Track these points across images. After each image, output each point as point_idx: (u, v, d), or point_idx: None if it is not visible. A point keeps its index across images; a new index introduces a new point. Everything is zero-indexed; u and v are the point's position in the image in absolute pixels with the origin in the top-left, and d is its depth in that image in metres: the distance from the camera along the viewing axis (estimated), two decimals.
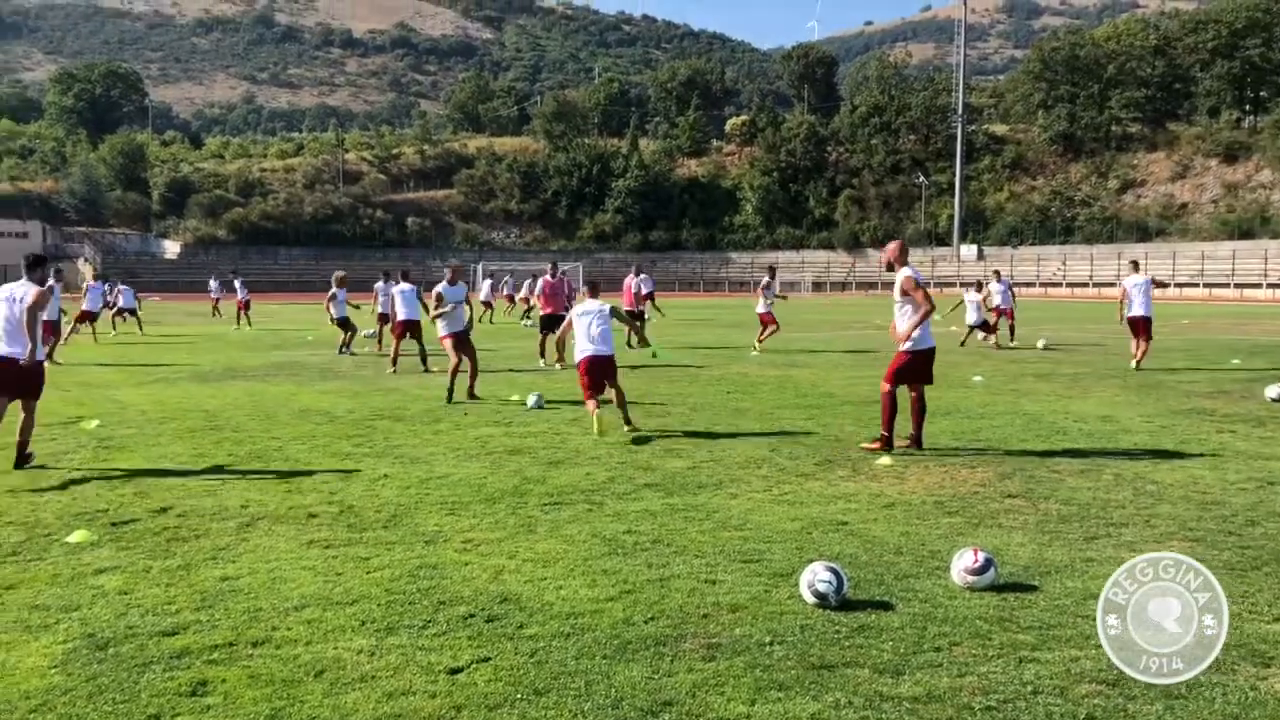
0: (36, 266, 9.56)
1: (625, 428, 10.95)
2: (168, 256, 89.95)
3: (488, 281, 41.95)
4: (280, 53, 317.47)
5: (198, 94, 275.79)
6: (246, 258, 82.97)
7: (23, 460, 9.23)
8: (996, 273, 26.20)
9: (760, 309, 22.42)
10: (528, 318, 34.60)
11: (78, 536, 6.73)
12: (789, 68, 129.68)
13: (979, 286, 24.09)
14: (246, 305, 33.60)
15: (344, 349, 21.81)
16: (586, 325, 11.15)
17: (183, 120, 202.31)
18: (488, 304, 37.65)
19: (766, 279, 22.92)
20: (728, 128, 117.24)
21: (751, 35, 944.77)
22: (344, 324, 22.17)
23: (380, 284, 23.06)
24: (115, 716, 4.09)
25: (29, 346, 9.07)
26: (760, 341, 22.26)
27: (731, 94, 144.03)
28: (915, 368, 9.83)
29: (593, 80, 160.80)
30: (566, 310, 18.56)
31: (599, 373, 11.08)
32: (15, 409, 9.36)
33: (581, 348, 11.13)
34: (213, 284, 40.16)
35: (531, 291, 35.27)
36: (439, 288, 14.55)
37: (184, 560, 6.26)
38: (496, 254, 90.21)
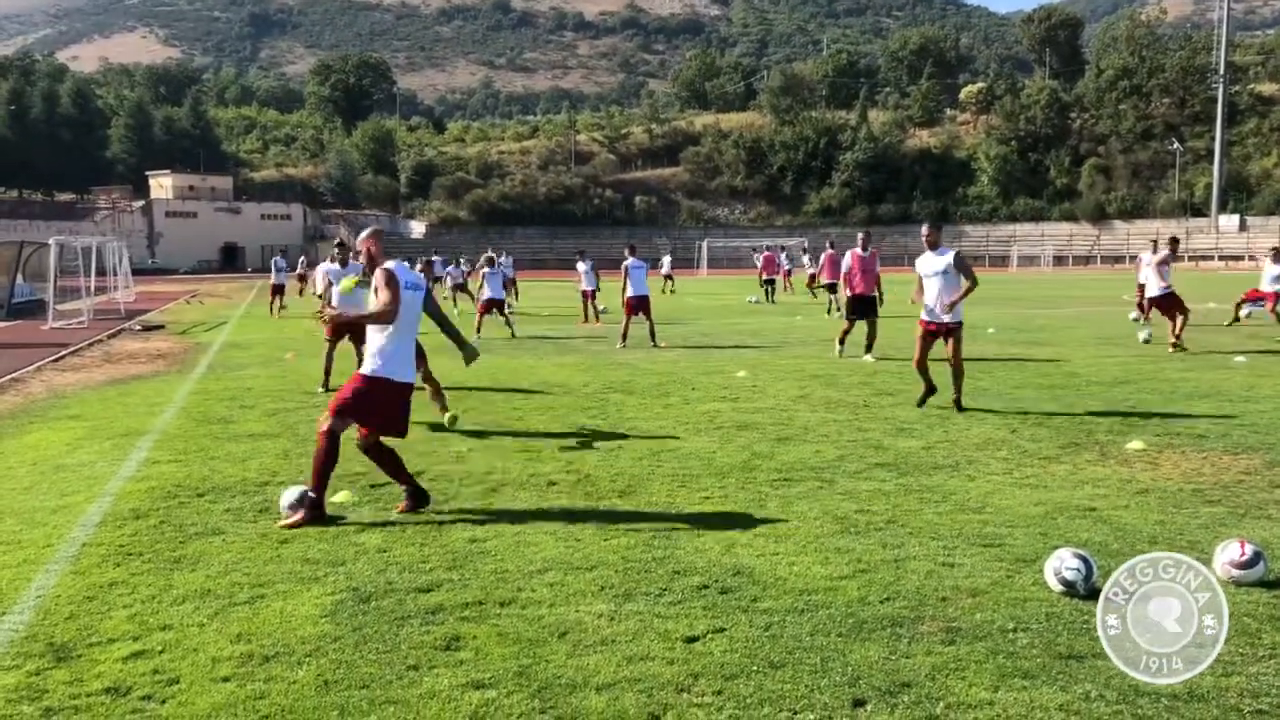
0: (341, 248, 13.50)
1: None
2: (414, 236, 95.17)
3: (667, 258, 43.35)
4: (516, 38, 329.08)
5: (440, 80, 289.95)
6: (486, 237, 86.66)
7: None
8: (1275, 250, 23.29)
9: (1156, 290, 17.06)
10: (811, 291, 34.37)
11: (341, 497, 7.25)
12: (1029, 31, 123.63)
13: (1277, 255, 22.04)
14: (511, 283, 35.51)
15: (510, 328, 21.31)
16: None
17: (427, 106, 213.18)
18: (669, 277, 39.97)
19: (1166, 253, 17.20)
20: (962, 96, 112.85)
21: (988, 0, 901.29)
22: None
23: (581, 264, 24.50)
24: (379, 665, 4.39)
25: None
26: (1176, 338, 16.55)
27: (966, 61, 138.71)
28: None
29: (821, 52, 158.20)
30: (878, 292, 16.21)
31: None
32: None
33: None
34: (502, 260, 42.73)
35: (774, 267, 35.41)
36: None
37: (435, 521, 6.64)
38: (720, 230, 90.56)
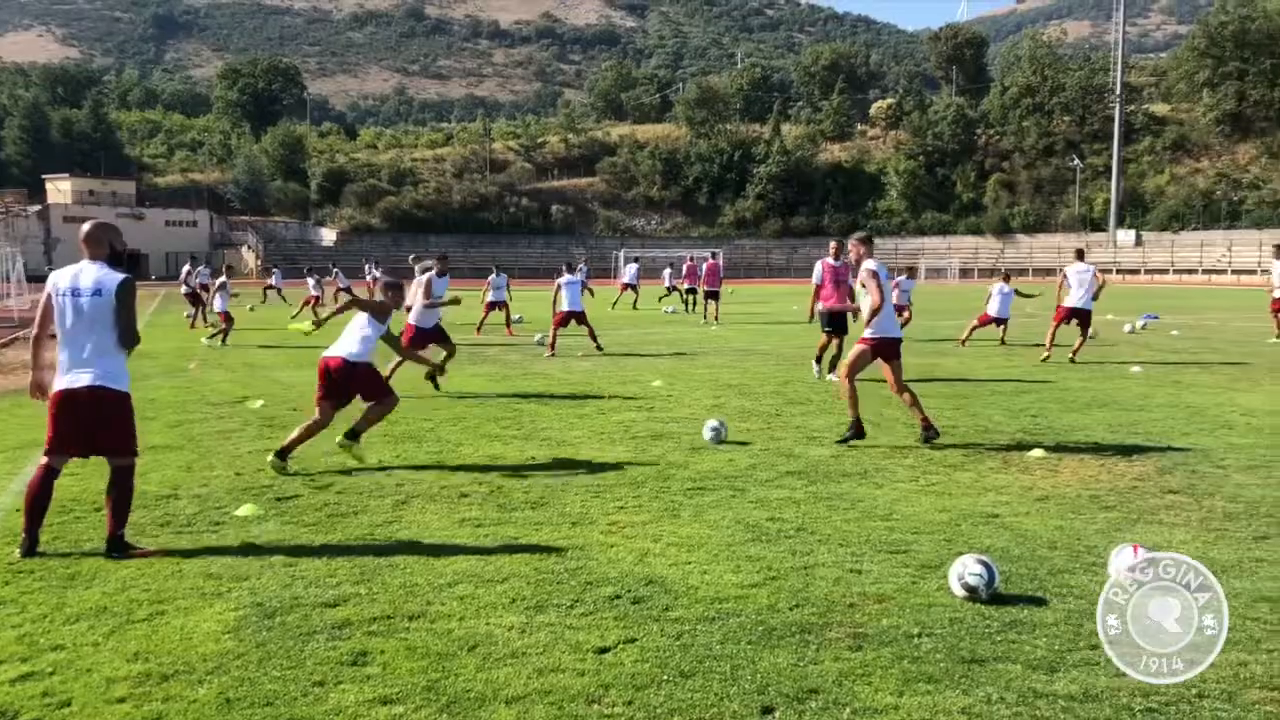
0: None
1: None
2: (324, 244, 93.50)
3: (631, 265, 42.39)
4: (430, 45, 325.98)
5: (352, 86, 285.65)
6: (399, 245, 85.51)
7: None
8: (1277, 247, 21.95)
9: (1079, 302, 17.02)
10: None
11: (246, 510, 7.09)
12: (936, 49, 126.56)
13: None
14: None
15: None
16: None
17: (338, 112, 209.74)
18: (631, 287, 38.18)
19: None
20: (872, 112, 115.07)
21: (897, 17, 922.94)
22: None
23: (492, 276, 25.68)
24: (283, 681, 4.30)
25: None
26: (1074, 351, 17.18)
27: (876, 77, 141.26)
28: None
29: (735, 66, 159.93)
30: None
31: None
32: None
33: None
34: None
35: (695, 277, 35.31)
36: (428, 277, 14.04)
37: (343, 535, 6.53)
38: (637, 240, 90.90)
